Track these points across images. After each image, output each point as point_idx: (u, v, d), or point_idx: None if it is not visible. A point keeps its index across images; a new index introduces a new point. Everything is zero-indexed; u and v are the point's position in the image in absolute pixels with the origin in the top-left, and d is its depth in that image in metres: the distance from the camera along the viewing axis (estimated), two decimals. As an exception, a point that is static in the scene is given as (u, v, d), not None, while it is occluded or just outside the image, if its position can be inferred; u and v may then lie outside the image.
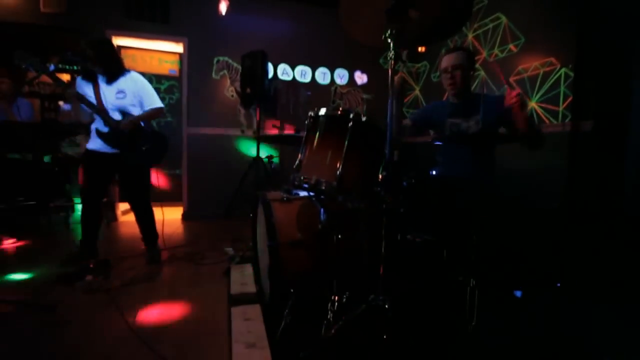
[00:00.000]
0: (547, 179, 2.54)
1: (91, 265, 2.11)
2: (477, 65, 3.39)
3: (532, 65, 2.77)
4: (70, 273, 2.04)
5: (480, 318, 1.27)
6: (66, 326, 1.56)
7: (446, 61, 1.86)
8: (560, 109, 2.54)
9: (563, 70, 2.51)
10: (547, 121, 2.63)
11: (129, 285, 2.01)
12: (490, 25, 3.26)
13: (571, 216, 2.33)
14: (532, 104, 2.77)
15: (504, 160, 2.01)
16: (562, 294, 1.84)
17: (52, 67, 2.16)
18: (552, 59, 2.59)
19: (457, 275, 1.41)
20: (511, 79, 2.97)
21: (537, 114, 2.73)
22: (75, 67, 3.88)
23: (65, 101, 2.10)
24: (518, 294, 1.69)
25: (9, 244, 2.74)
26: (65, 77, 4.00)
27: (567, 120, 2.48)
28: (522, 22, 2.92)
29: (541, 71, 2.69)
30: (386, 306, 1.32)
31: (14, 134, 3.13)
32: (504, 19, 3.10)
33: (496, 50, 3.17)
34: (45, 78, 3.01)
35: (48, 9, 3.60)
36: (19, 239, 2.85)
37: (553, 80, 2.58)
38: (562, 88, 2.52)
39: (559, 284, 1.82)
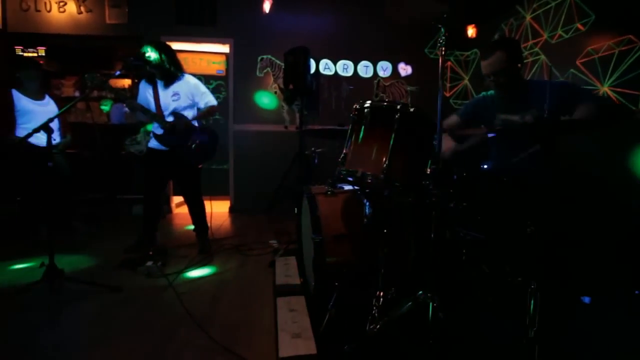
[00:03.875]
0: (624, 173, 2.24)
1: (151, 253, 2.29)
2: (537, 49, 3.09)
3: (604, 45, 2.45)
4: (133, 259, 2.24)
5: (543, 324, 1.16)
6: (131, 305, 1.73)
7: (485, 67, 1.70)
8: (641, 93, 2.22)
9: (645, 48, 2.18)
10: (623, 108, 2.32)
11: (184, 271, 2.16)
12: (553, 4, 2.94)
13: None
14: (604, 89, 2.46)
15: (569, 152, 1.81)
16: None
17: (117, 73, 2.38)
18: (631, 37, 2.27)
19: (515, 276, 1.30)
20: (578, 62, 2.66)
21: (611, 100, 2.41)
22: (134, 73, 4.24)
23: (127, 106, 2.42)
24: (586, 300, 1.52)
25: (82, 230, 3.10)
26: (127, 81, 4.39)
27: (649, 106, 2.16)
28: (592, -4, 2.59)
29: (616, 51, 2.36)
30: (434, 304, 1.27)
31: (88, 135, 3.53)
32: (569, -5, 2.77)
33: (560, 31, 2.86)
34: (111, 83, 3.37)
35: (113, 20, 3.97)
36: (89, 228, 3.20)
37: (632, 60, 2.26)
38: (644, 69, 2.19)
39: (638, 292, 1.60)
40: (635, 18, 2.25)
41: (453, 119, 1.96)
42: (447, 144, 1.83)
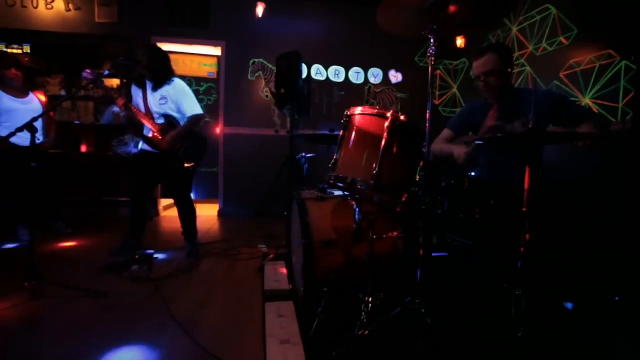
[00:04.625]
0: (602, 182, 2.32)
1: (137, 257, 2.24)
2: (523, 60, 3.19)
3: (586, 58, 2.55)
4: (118, 263, 2.19)
5: (527, 330, 1.18)
6: (116, 311, 1.68)
7: (477, 68, 1.72)
8: (620, 105, 2.31)
9: (624, 63, 2.28)
10: (603, 119, 2.41)
11: (171, 276, 2.13)
12: (538, 18, 3.05)
13: (632, 223, 2.11)
14: (586, 101, 2.55)
15: (551, 162, 1.87)
16: (620, 310, 1.67)
17: (106, 73, 2.35)
18: (611, 51, 2.37)
19: (501, 282, 1.33)
20: (562, 74, 2.75)
21: (592, 112, 2.51)
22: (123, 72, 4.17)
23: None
24: (569, 306, 1.56)
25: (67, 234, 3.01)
26: (116, 81, 4.33)
27: (627, 118, 2.25)
28: (574, 12, 2.70)
29: (597, 64, 2.46)
30: (423, 310, 1.28)
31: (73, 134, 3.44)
32: (553, 9, 2.88)
33: (544, 44, 2.96)
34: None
35: (102, 19, 3.91)
36: (74, 230, 3.11)
37: (611, 74, 2.36)
38: (623, 82, 2.29)
39: (617, 298, 1.66)
40: (615, 34, 2.35)
41: (446, 133, 1.97)
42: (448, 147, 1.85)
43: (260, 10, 4.01)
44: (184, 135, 2.36)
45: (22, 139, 2.51)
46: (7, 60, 2.83)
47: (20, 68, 2.81)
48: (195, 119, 2.40)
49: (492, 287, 1.38)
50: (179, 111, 2.40)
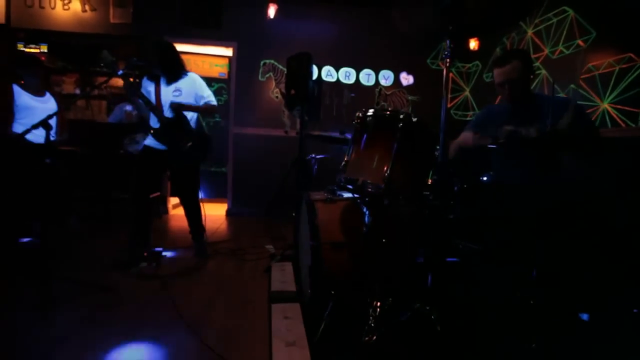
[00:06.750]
0: (623, 189, 2.24)
1: (145, 254, 2.26)
2: (538, 63, 3.12)
3: (605, 62, 2.48)
4: (126, 260, 2.20)
5: (541, 341, 1.14)
6: (122, 307, 1.69)
7: (498, 76, 1.70)
8: (640, 110, 2.23)
9: (645, 66, 2.21)
10: (623, 124, 2.34)
11: (178, 274, 2.13)
12: (554, 20, 2.98)
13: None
14: (604, 105, 2.48)
15: (568, 167, 1.82)
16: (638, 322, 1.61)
17: (120, 72, 2.37)
18: (631, 55, 2.29)
19: (514, 290, 1.29)
20: (580, 78, 2.68)
21: (611, 116, 2.43)
22: (137, 72, 4.22)
23: (128, 101, 2.37)
24: (585, 317, 1.51)
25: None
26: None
27: (648, 124, 2.18)
28: (593, 15, 2.63)
29: (617, 68, 2.39)
30: (432, 317, 1.25)
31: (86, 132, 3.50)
32: (570, 12, 2.81)
33: (561, 47, 2.89)
34: (112, 82, 3.37)
35: (117, 20, 3.98)
36: (83, 226, 3.16)
37: (632, 77, 2.29)
38: (644, 87, 2.22)
39: (636, 310, 1.59)
40: (635, 37, 2.28)
41: (468, 135, 1.94)
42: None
43: (272, 11, 4.02)
44: (187, 120, 2.38)
45: (37, 136, 2.55)
46: (32, 60, 2.91)
47: (42, 68, 2.89)
48: (209, 107, 2.46)
49: (505, 296, 1.34)
50: (195, 102, 2.42)
